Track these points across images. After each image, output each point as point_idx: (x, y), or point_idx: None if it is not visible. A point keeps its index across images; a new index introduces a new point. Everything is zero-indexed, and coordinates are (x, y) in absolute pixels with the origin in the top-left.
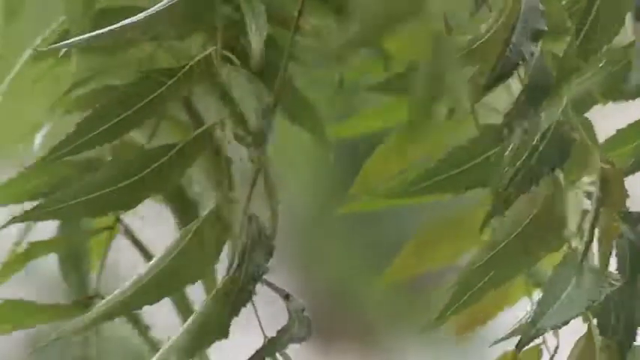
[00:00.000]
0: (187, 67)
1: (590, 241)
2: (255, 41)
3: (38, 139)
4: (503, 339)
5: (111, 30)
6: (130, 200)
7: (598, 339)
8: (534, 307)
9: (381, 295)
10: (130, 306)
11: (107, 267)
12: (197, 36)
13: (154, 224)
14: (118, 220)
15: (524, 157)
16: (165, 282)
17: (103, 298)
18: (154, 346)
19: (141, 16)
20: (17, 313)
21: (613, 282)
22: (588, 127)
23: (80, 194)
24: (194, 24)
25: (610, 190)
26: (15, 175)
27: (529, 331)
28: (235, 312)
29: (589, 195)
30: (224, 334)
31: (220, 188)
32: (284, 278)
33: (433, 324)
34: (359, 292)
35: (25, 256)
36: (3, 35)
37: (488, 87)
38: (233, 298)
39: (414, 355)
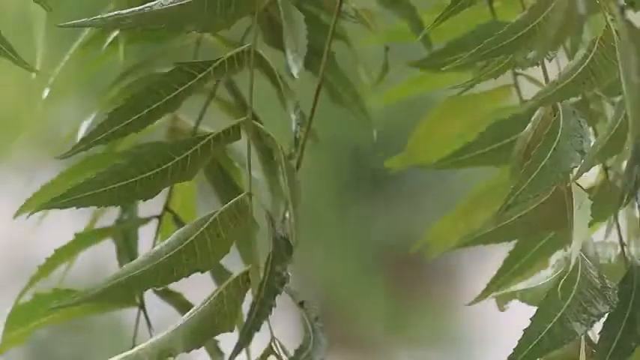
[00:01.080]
0: (219, 62)
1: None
2: (292, 54)
3: (82, 131)
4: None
5: (127, 14)
6: (147, 191)
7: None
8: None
9: (374, 302)
10: (134, 285)
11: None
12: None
13: None
14: (167, 209)
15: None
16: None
17: None
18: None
19: (165, 4)
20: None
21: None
22: None
23: (98, 185)
24: (229, 16)
25: None
26: (61, 173)
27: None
28: (257, 326)
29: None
30: (230, 327)
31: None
32: None
33: (477, 299)
34: (352, 297)
35: (82, 243)
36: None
37: None
38: (254, 311)
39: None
